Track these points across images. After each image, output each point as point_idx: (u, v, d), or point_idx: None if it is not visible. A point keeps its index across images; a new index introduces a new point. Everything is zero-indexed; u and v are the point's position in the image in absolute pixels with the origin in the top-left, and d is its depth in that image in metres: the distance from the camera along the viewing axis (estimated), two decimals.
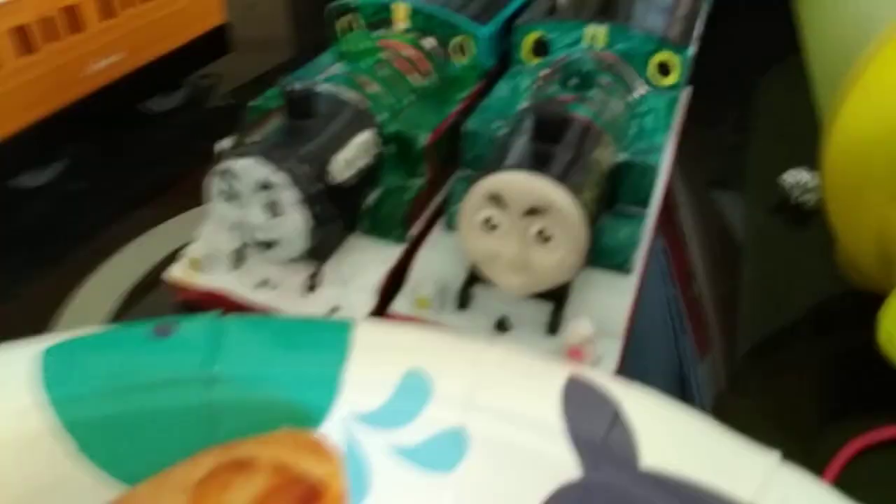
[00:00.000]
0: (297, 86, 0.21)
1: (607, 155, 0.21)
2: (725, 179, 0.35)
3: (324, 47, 0.27)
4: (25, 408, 0.18)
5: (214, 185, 0.21)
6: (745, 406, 0.23)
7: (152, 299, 0.26)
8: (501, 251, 0.19)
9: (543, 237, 0.19)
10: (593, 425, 0.18)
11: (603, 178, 0.21)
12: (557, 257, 0.19)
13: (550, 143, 0.19)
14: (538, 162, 0.19)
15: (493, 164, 0.19)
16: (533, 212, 0.18)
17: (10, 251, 0.29)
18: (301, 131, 0.21)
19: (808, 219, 0.32)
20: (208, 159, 0.35)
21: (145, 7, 0.33)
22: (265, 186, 0.20)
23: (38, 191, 0.31)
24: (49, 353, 0.19)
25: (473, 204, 0.19)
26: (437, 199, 0.25)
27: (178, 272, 0.23)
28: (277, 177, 0.19)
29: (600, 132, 0.21)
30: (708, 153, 0.26)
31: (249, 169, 0.20)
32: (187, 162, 0.35)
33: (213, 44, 0.37)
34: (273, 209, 0.20)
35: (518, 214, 0.19)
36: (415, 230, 0.24)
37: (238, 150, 0.20)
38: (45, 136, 0.30)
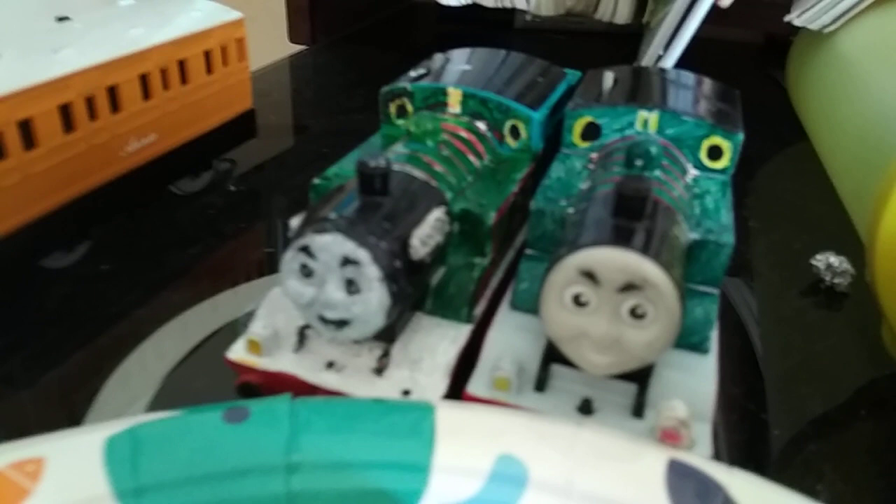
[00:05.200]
0: (372, 163, 0.21)
1: (682, 233, 0.21)
2: (748, 263, 0.35)
3: (334, 132, 0.27)
4: (90, 502, 0.16)
5: (287, 262, 0.20)
6: (813, 489, 0.23)
7: (195, 382, 0.25)
8: (590, 329, 0.19)
9: (637, 314, 0.18)
10: None
11: (681, 256, 0.20)
12: (651, 335, 0.18)
13: (633, 220, 0.19)
14: (626, 238, 0.19)
15: (576, 241, 0.19)
16: (627, 288, 0.18)
17: (40, 334, 0.27)
18: (377, 208, 0.20)
19: (841, 300, 0.33)
20: (233, 241, 0.34)
21: (181, 90, 0.33)
22: (345, 263, 0.19)
23: (63, 272, 0.30)
24: (113, 442, 0.17)
25: (563, 280, 0.19)
26: (495, 279, 0.25)
27: (238, 353, 0.22)
28: (359, 253, 0.19)
29: (673, 211, 0.21)
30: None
31: (331, 245, 0.19)
32: (213, 244, 0.34)
33: (242, 128, 0.38)
34: (351, 286, 0.19)
35: (612, 291, 0.18)
36: (478, 310, 0.23)
37: (316, 227, 0.19)
38: (77, 216, 0.29)
